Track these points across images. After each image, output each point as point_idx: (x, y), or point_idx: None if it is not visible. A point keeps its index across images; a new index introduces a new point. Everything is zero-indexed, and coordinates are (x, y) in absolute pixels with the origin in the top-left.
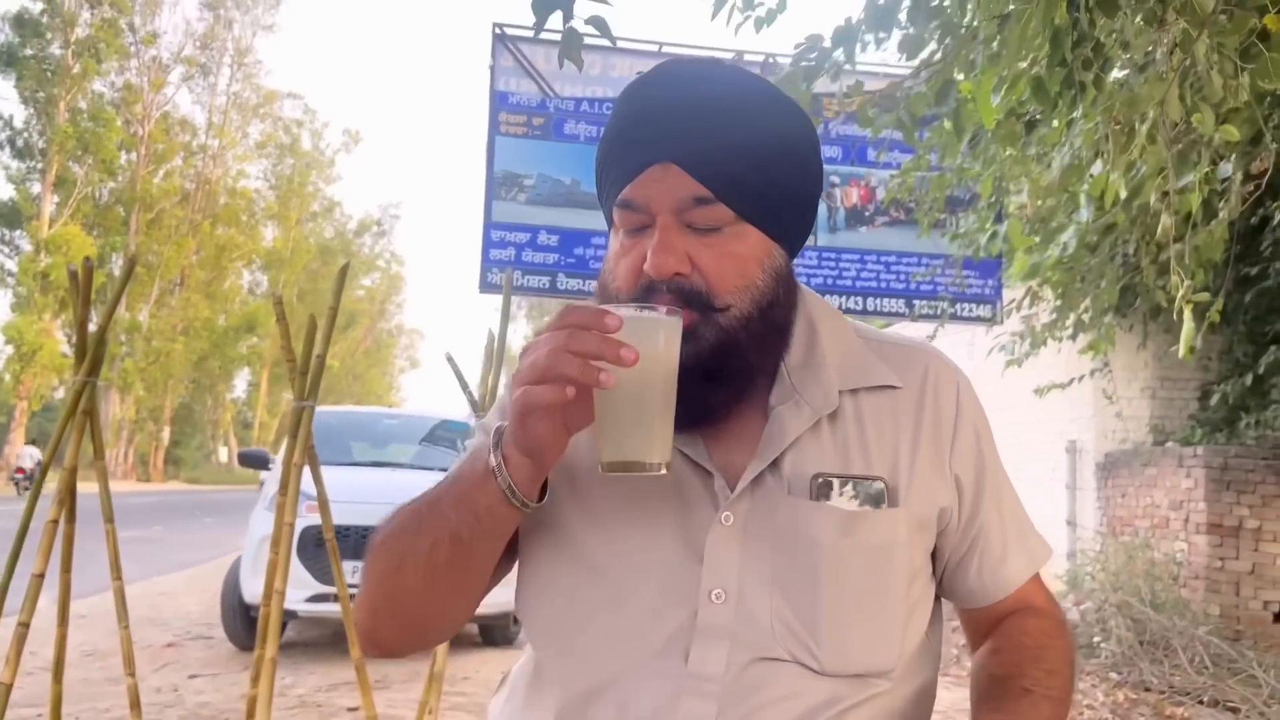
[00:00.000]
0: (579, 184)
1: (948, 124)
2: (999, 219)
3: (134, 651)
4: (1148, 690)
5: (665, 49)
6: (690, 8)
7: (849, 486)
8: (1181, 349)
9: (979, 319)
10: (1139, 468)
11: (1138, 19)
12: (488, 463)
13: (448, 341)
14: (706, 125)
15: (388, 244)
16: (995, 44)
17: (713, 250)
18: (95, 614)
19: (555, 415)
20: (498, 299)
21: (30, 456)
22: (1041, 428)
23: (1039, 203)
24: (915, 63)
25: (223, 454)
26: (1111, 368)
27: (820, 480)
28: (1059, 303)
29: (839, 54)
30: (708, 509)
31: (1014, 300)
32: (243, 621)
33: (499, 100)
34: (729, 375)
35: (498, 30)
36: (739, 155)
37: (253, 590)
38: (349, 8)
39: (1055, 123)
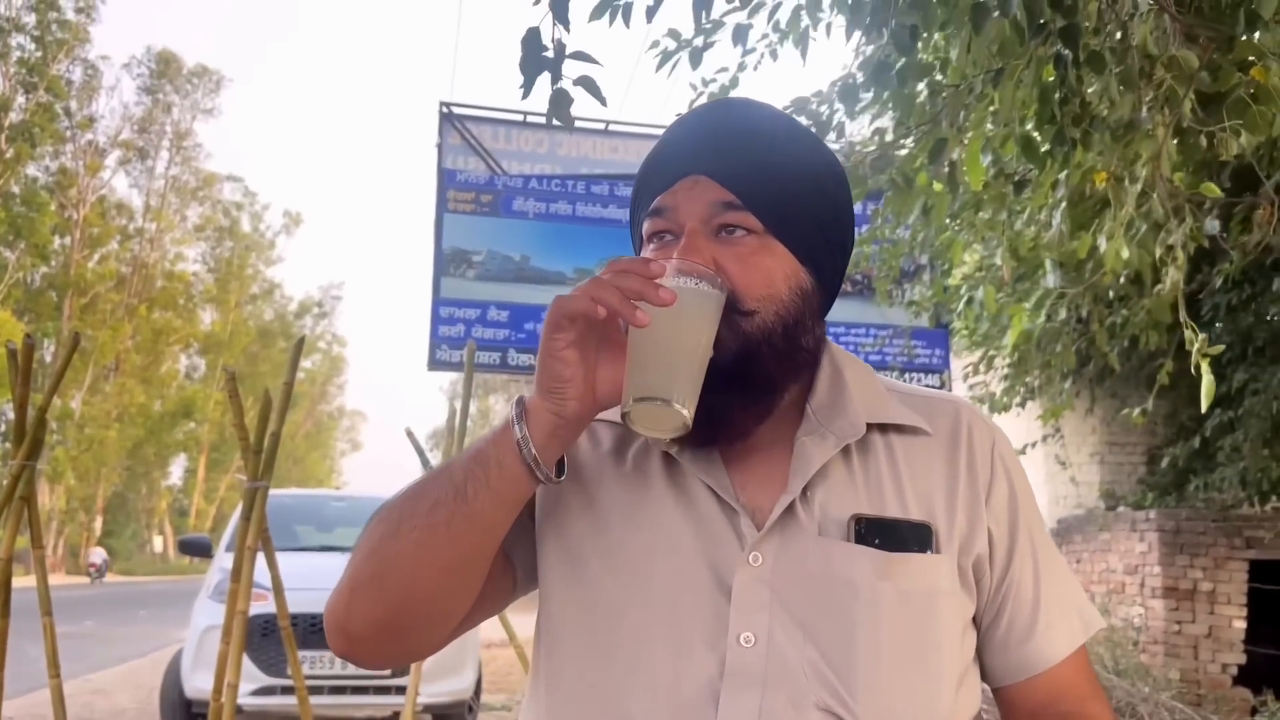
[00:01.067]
0: (528, 259)
1: (938, 185)
2: (972, 285)
3: None
4: None
5: (612, 127)
6: (638, 88)
7: (887, 529)
8: (1204, 402)
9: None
10: (1093, 532)
11: (1120, 76)
12: (507, 419)
13: (391, 422)
14: (738, 144)
15: (329, 325)
16: (988, 101)
17: (739, 256)
18: (23, 717)
19: (583, 339)
20: (444, 378)
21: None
22: None
23: (1014, 265)
24: (868, 128)
25: (158, 543)
26: (1063, 433)
27: (858, 521)
28: (1010, 370)
29: (839, 114)
30: (734, 548)
31: (970, 364)
32: (183, 718)
33: (447, 178)
34: (750, 385)
35: (445, 110)
36: (768, 170)
37: (195, 685)
38: (291, 91)
39: (1041, 183)
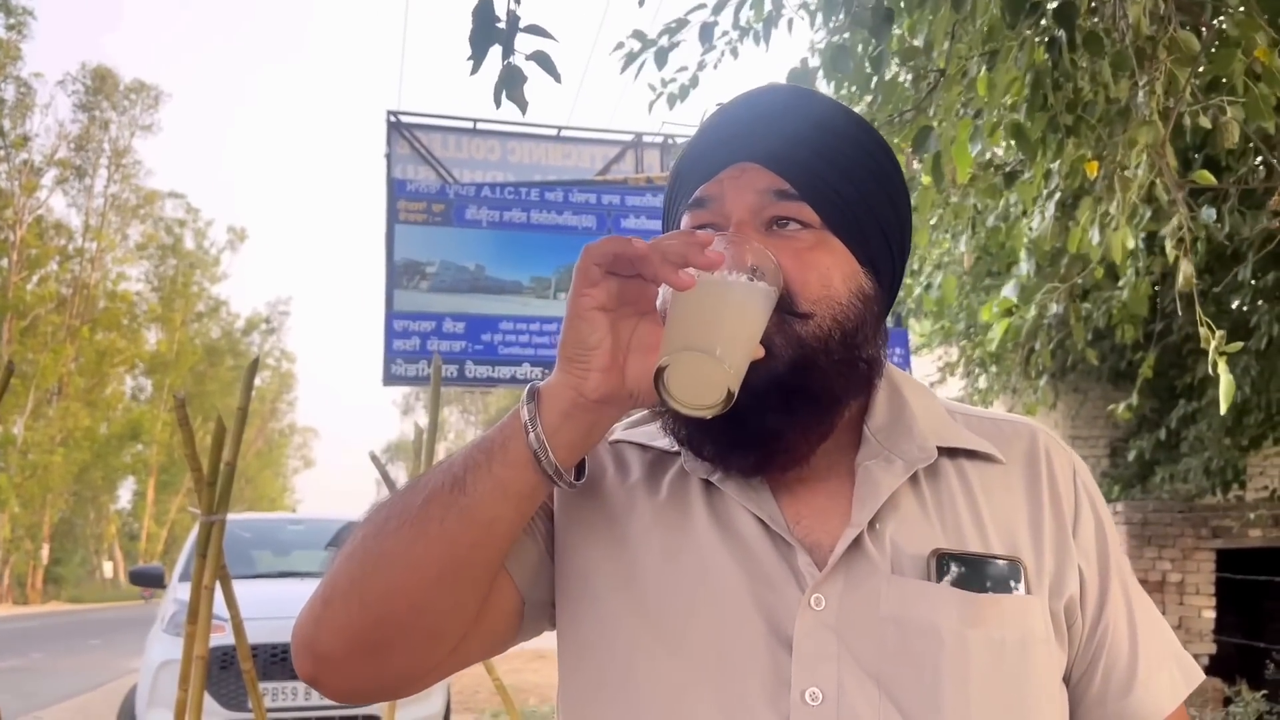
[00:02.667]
0: (483, 269)
1: (925, 178)
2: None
3: None
4: None
5: (564, 132)
6: (591, 91)
7: (972, 566)
8: (1223, 404)
9: None
10: None
11: (1115, 59)
12: (520, 403)
13: (345, 438)
14: (792, 127)
15: (277, 341)
16: (978, 86)
17: (794, 253)
18: None
19: (616, 305)
20: (396, 391)
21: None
22: None
23: (977, 253)
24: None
25: (108, 569)
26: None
27: (939, 557)
28: (978, 370)
29: None
30: (791, 590)
31: (947, 365)
32: None
33: (397, 188)
34: (809, 400)
35: (392, 119)
36: (826, 158)
37: None
38: (232, 105)
39: (1030, 173)
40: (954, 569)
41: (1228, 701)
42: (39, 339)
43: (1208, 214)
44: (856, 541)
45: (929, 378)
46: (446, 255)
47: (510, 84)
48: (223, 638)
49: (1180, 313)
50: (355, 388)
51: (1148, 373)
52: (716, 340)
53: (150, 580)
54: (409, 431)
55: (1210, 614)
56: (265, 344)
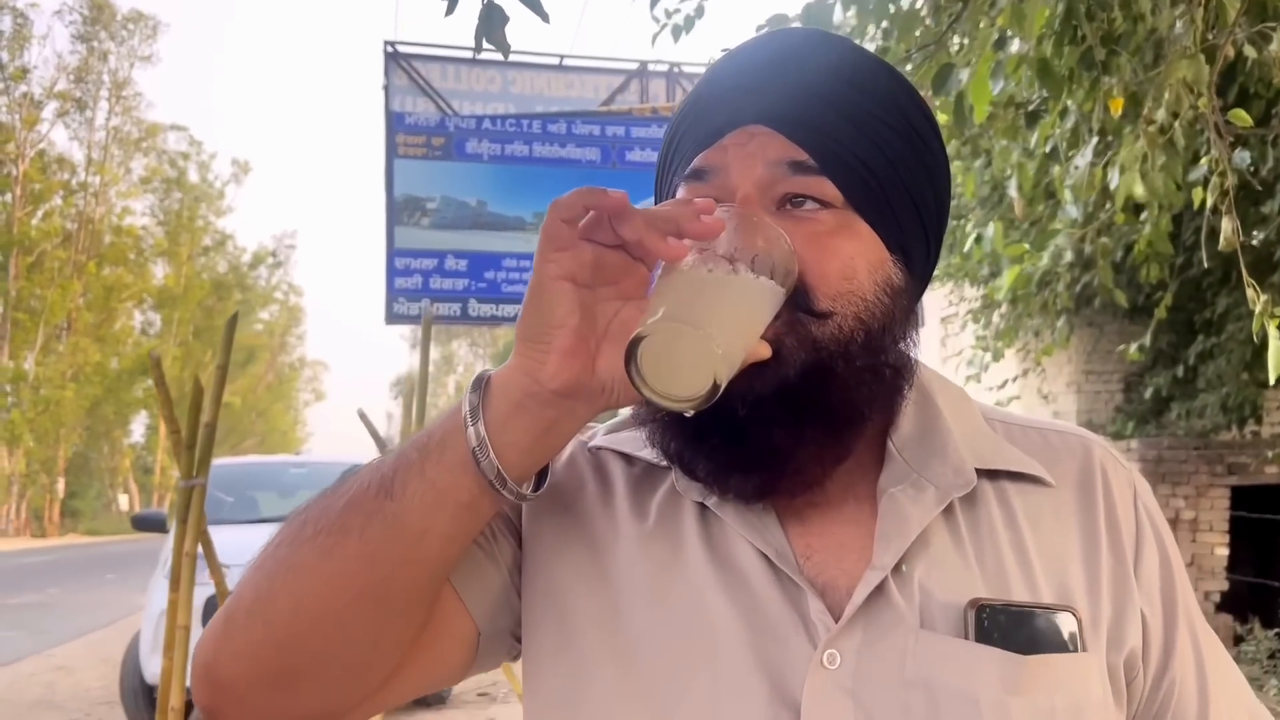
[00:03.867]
0: (485, 205)
1: (944, 116)
2: (980, 222)
3: None
4: None
5: (567, 62)
6: (594, 19)
7: (1016, 620)
8: (1271, 373)
9: None
10: None
11: None
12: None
13: (354, 371)
14: (811, 83)
15: (284, 275)
16: (1005, 16)
17: (812, 237)
18: None
19: (588, 277)
20: (404, 326)
21: None
22: None
23: (1029, 204)
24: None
25: (123, 502)
26: (1043, 365)
27: (979, 609)
28: (1002, 315)
29: None
30: (801, 643)
31: (970, 311)
32: (145, 704)
33: (395, 121)
34: (826, 414)
35: (389, 49)
36: (849, 119)
37: (154, 670)
38: (231, 35)
39: (1051, 110)
40: (996, 623)
41: (1239, 640)
42: (46, 275)
43: (1240, 158)
44: (881, 586)
45: (943, 313)
46: (447, 190)
47: (490, 26)
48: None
49: (1202, 246)
50: (364, 321)
51: (1163, 314)
52: (709, 318)
53: (152, 525)
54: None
55: (1224, 551)
56: (272, 277)
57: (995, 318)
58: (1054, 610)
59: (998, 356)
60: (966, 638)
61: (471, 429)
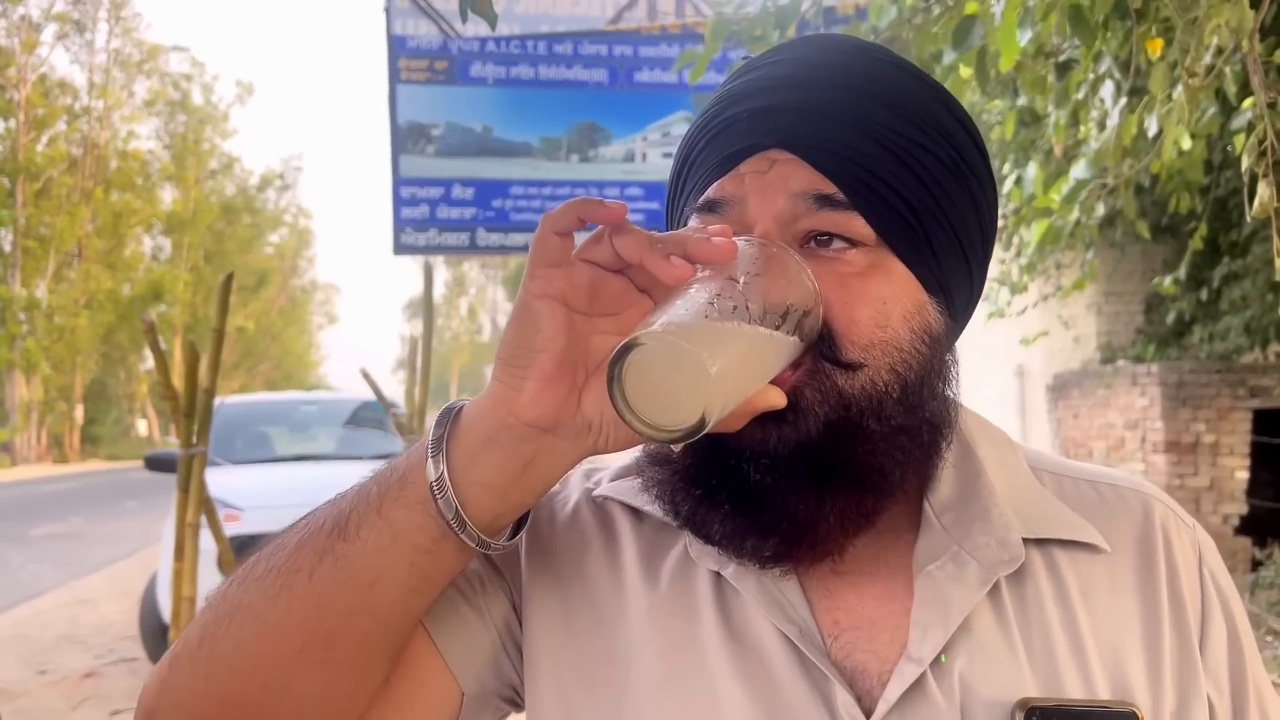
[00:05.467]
0: (490, 130)
1: (965, 70)
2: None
3: (50, 689)
4: None
5: None
6: None
7: None
8: None
9: None
10: (1091, 388)
11: None
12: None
13: (367, 294)
14: (841, 103)
15: (293, 198)
16: None
17: (839, 278)
18: (6, 638)
19: (577, 300)
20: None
21: None
22: (988, 352)
23: (1064, 139)
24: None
25: (142, 427)
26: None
27: (1028, 713)
28: (1031, 245)
29: None
30: None
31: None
32: (165, 644)
33: (397, 45)
34: (848, 481)
35: None
36: (885, 145)
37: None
38: None
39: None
40: None
41: (1257, 564)
42: (54, 202)
43: None
44: (919, 679)
45: None
46: (452, 116)
47: None
48: (237, 527)
49: (1231, 165)
50: (375, 243)
51: (1198, 244)
52: (710, 342)
53: (166, 465)
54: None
55: (1244, 474)
56: (280, 200)
57: (1016, 244)
58: (1113, 709)
59: (1018, 290)
60: None
61: (430, 462)
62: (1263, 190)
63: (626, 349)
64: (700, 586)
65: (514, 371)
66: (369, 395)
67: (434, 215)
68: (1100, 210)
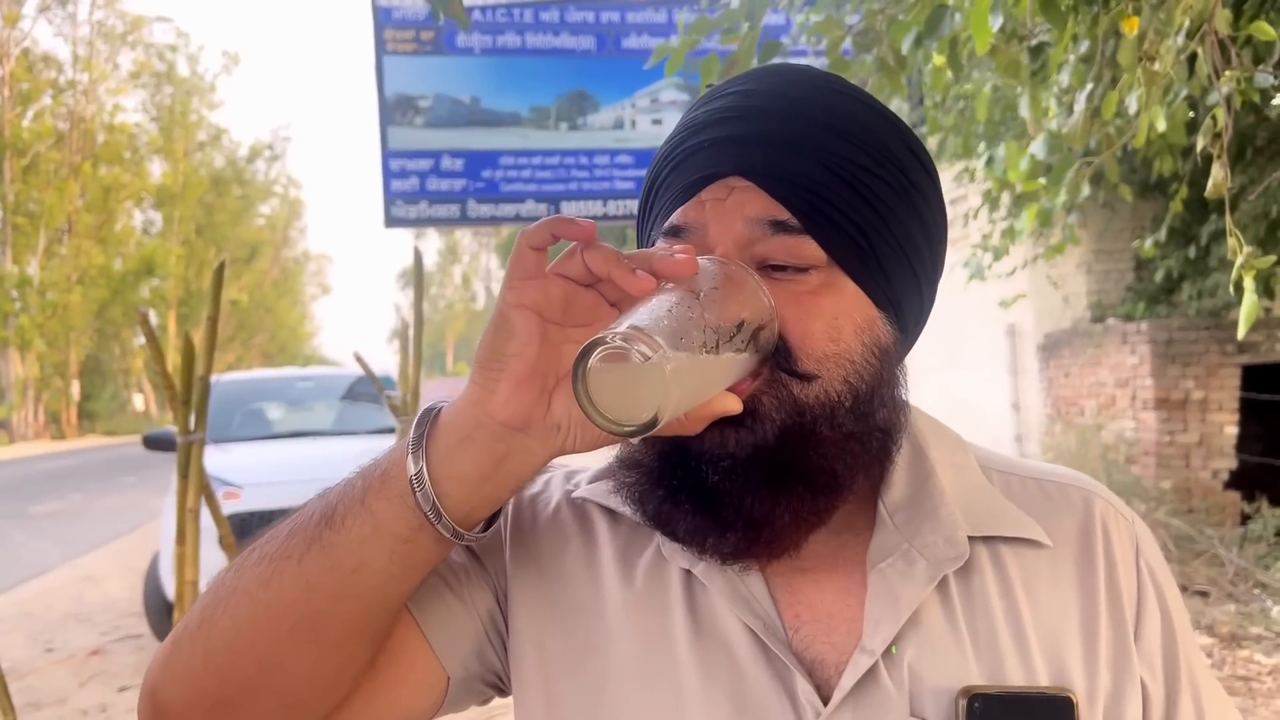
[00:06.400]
0: (479, 101)
1: (939, 58)
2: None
3: (57, 666)
4: None
5: None
6: None
7: (1011, 708)
8: (1241, 327)
9: None
10: (1082, 347)
11: None
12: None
13: (359, 264)
14: (795, 131)
15: (282, 168)
16: None
17: (793, 296)
18: (12, 617)
19: (551, 311)
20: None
21: None
22: (979, 313)
23: (1040, 119)
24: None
25: (138, 402)
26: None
27: (971, 699)
28: (1023, 232)
29: None
30: None
31: (972, 210)
32: (169, 621)
33: (382, 16)
34: (800, 483)
35: None
36: (835, 171)
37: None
38: None
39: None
40: (988, 712)
41: (1246, 518)
42: (42, 177)
43: (1262, 79)
44: (872, 669)
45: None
46: (440, 88)
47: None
48: (236, 505)
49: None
50: (366, 213)
51: (1178, 207)
52: (671, 345)
53: (165, 444)
54: (424, 255)
55: (1233, 430)
56: (270, 171)
57: (1000, 214)
58: (1048, 696)
59: (1000, 255)
60: None
61: (410, 457)
62: (1216, 171)
63: (592, 347)
64: (672, 583)
65: (489, 375)
66: (360, 371)
67: (424, 187)
68: (1087, 190)
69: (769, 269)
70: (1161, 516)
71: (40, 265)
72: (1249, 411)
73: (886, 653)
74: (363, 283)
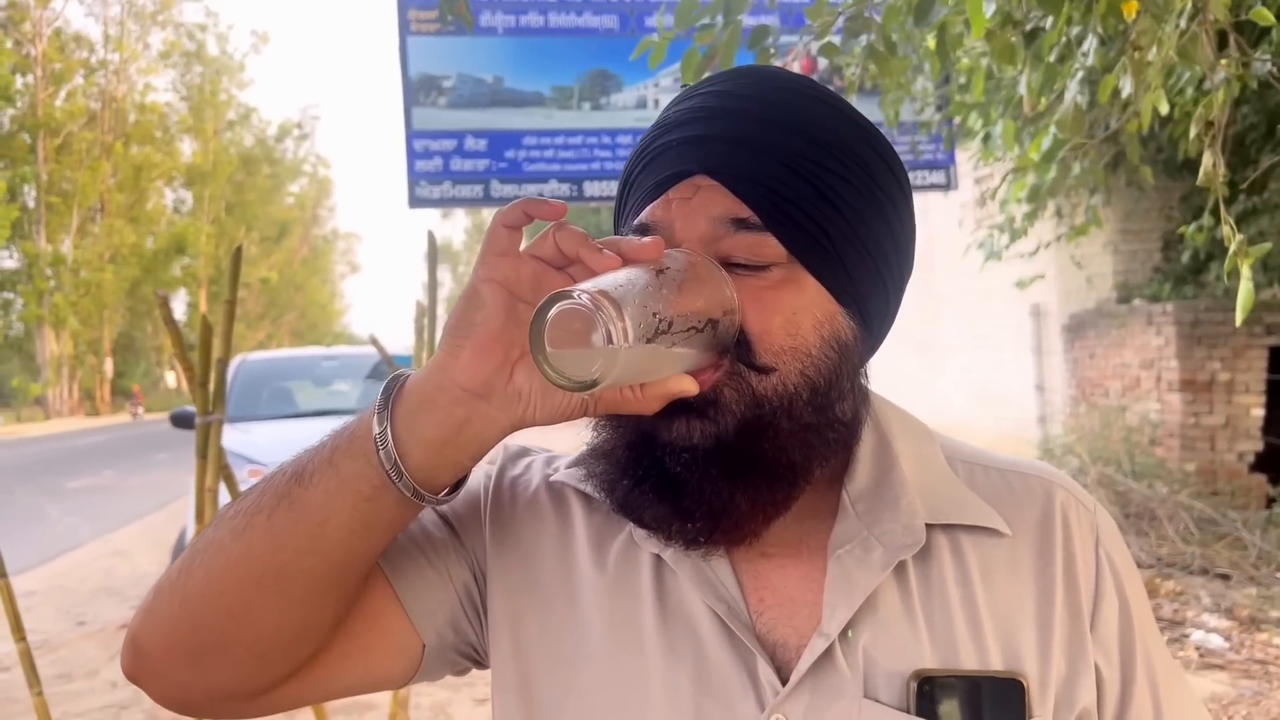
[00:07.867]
0: (502, 81)
1: (931, 42)
2: (988, 120)
3: (88, 640)
4: (1138, 566)
5: None
6: None
7: (961, 691)
8: (1239, 315)
9: (933, 186)
10: (1107, 328)
11: None
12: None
13: (388, 242)
14: (759, 130)
15: (311, 147)
16: None
17: (753, 291)
18: (45, 590)
19: (520, 289)
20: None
21: None
22: (1003, 292)
23: (1037, 98)
24: None
25: (170, 379)
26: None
27: (921, 682)
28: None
29: None
30: (749, 706)
31: (988, 190)
32: None
33: None
34: (759, 473)
35: None
36: (797, 171)
37: None
38: None
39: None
40: (939, 695)
41: (1270, 502)
42: (74, 157)
43: (1259, 67)
44: (828, 651)
45: (971, 177)
46: (463, 68)
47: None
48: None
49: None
50: (394, 191)
51: (1223, 190)
52: (627, 311)
53: (190, 423)
54: (452, 234)
55: (1259, 412)
56: (299, 150)
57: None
58: (999, 679)
59: (1017, 236)
60: (909, 710)
61: (375, 418)
62: (1207, 160)
63: (556, 298)
64: (643, 568)
65: (455, 341)
66: (391, 351)
67: (448, 168)
68: (1076, 169)
69: (733, 265)
70: (1185, 499)
71: (74, 244)
72: (1275, 393)
73: (842, 636)
74: (392, 261)
